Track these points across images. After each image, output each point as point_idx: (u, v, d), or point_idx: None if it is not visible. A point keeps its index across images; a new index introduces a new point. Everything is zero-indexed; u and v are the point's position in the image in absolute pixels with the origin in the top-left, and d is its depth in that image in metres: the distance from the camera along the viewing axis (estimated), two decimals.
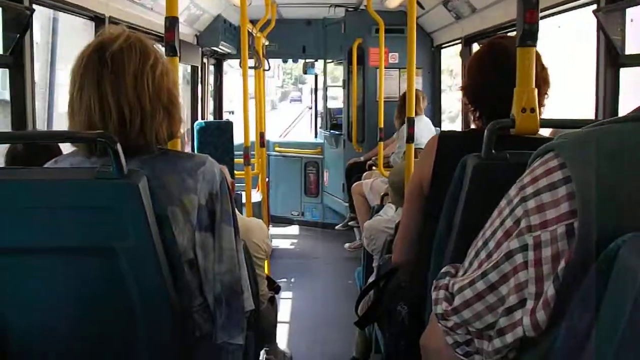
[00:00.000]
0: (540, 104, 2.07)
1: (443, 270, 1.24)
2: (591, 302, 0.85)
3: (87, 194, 1.53)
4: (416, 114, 5.34)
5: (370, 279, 3.72)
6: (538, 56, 2.08)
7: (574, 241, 0.90)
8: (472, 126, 2.30)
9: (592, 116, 3.53)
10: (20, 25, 3.26)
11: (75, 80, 1.72)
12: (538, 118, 1.87)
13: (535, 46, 1.88)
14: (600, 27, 3.38)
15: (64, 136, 1.78)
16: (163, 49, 1.95)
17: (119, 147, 1.48)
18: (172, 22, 2.44)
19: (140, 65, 1.73)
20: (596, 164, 0.89)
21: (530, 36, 1.85)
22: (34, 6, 3.34)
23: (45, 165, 1.86)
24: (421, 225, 2.32)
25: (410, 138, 3.95)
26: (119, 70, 1.70)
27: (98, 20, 4.39)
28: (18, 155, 2.56)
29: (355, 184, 6.73)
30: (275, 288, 3.74)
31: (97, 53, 1.72)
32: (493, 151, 1.80)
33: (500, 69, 2.03)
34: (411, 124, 4.01)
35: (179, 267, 1.65)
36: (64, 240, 1.56)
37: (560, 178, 0.93)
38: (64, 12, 4.08)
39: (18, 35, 3.25)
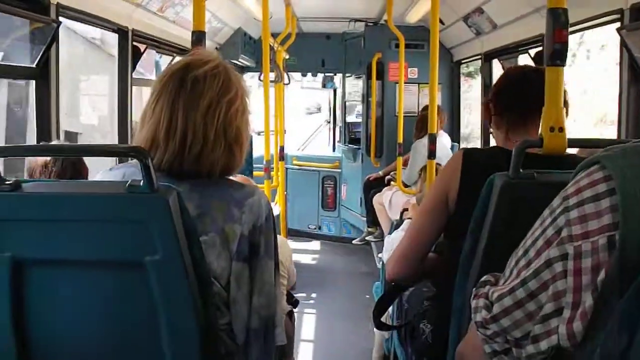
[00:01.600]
0: None
1: (483, 279, 1.24)
2: (629, 323, 0.85)
3: (117, 207, 1.54)
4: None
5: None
6: None
7: (614, 253, 0.90)
8: (493, 143, 2.30)
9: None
10: (47, 38, 3.31)
11: (154, 93, 1.76)
12: (566, 137, 1.87)
13: (564, 65, 1.88)
14: (623, 45, 3.39)
15: (98, 150, 1.79)
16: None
17: (150, 162, 1.49)
18: (199, 36, 2.47)
19: (217, 96, 1.75)
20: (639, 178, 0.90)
21: (559, 55, 1.85)
22: (60, 19, 3.38)
23: (99, 174, 1.89)
24: (432, 241, 2.27)
25: (432, 154, 3.95)
26: (195, 94, 1.73)
27: (122, 32, 4.44)
28: (39, 166, 2.57)
29: (376, 195, 6.74)
30: (293, 302, 3.73)
31: (181, 73, 1.75)
32: (520, 170, 1.80)
33: (531, 87, 2.02)
34: (433, 140, 4.01)
35: (207, 284, 1.65)
36: (94, 254, 1.57)
37: (604, 190, 0.93)
38: (89, 25, 4.12)
39: (44, 47, 3.29)
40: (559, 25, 1.83)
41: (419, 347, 2.36)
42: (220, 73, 1.78)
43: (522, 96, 2.14)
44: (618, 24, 3.43)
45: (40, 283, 1.62)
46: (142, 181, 1.51)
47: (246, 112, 1.85)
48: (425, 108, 6.12)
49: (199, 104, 1.73)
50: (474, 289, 1.21)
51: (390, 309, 3.08)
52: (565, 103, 2.10)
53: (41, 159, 2.57)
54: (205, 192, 1.74)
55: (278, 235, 3.98)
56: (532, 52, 4.96)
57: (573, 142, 1.95)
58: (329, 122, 11.38)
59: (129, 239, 1.55)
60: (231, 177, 1.88)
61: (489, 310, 1.11)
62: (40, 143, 3.22)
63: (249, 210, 1.76)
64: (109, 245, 1.57)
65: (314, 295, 6.70)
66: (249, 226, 1.75)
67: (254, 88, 12.18)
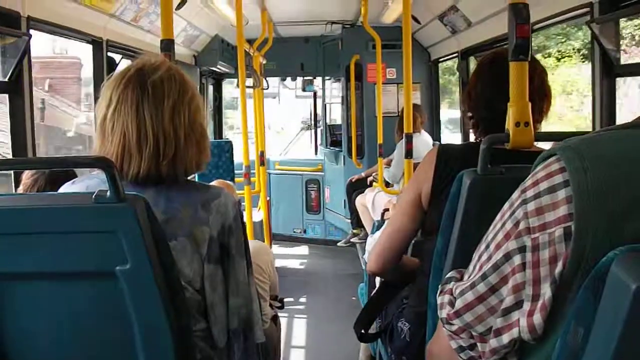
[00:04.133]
0: (538, 120, 2.08)
1: (448, 275, 1.25)
2: (585, 317, 0.85)
3: (85, 218, 1.54)
4: (415, 130, 5.38)
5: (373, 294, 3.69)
6: (539, 71, 2.09)
7: (570, 244, 0.91)
8: (472, 138, 2.30)
9: (589, 128, 3.55)
10: (18, 51, 3.28)
11: (112, 101, 1.75)
12: (532, 132, 1.88)
13: (527, 60, 1.88)
14: (594, 38, 3.40)
15: (66, 162, 1.79)
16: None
17: (116, 171, 1.49)
18: (167, 44, 2.46)
19: (179, 97, 1.77)
20: (596, 169, 0.90)
21: (522, 50, 1.86)
22: (31, 31, 3.36)
23: (62, 188, 1.88)
24: (409, 238, 2.30)
25: (409, 154, 3.96)
26: (158, 98, 1.74)
27: (96, 43, 4.42)
28: (40, 185, 2.57)
29: (359, 196, 6.75)
30: (279, 300, 3.73)
31: (138, 78, 1.75)
32: (489, 166, 1.80)
33: (500, 81, 2.02)
34: (409, 140, 4.02)
35: (179, 291, 1.65)
36: (64, 265, 1.57)
37: (560, 181, 0.94)
38: (62, 37, 4.10)
39: (16, 61, 3.27)
40: (521, 20, 1.84)
41: (398, 346, 2.36)
42: (175, 75, 1.80)
43: (493, 91, 2.14)
44: (588, 17, 3.45)
45: (10, 296, 1.61)
46: (108, 191, 1.50)
47: (203, 108, 1.88)
48: (417, 108, 6.17)
49: (163, 107, 1.74)
50: (435, 292, 1.22)
51: None
52: (548, 97, 2.11)
53: (30, 174, 2.57)
54: (171, 196, 1.75)
55: (259, 242, 4.00)
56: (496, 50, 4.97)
57: (540, 136, 1.95)
58: (310, 126, 11.37)
59: (98, 249, 1.55)
60: (212, 182, 1.89)
61: (452, 306, 1.12)
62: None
63: (216, 211, 1.77)
64: (79, 256, 1.57)
65: (300, 299, 6.69)
66: (217, 228, 1.77)
67: (234, 94, 12.14)
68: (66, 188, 1.89)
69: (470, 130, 2.33)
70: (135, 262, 1.52)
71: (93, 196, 1.52)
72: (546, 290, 0.93)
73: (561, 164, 0.95)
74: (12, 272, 1.59)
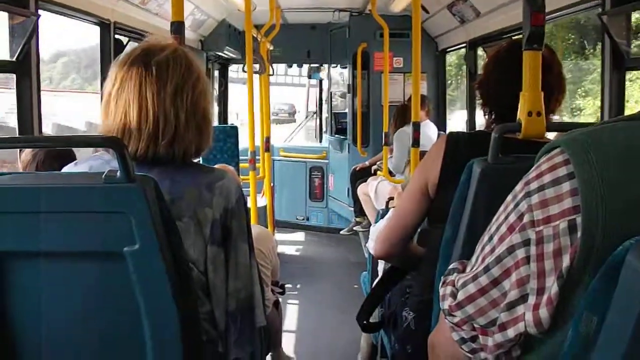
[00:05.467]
0: (552, 110, 2.07)
1: (451, 266, 1.25)
2: (599, 306, 0.85)
3: (96, 198, 1.53)
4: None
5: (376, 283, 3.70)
6: (553, 61, 2.07)
7: (576, 238, 0.90)
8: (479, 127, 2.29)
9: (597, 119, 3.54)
10: (26, 31, 3.28)
11: (116, 80, 1.75)
12: (544, 122, 1.87)
13: (541, 49, 1.87)
14: (605, 30, 3.39)
15: (73, 141, 1.78)
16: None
17: (126, 152, 1.49)
18: (178, 27, 2.45)
19: (182, 79, 1.76)
20: (601, 160, 0.89)
21: (536, 39, 1.84)
22: (40, 12, 3.35)
23: (64, 168, 1.88)
24: (416, 225, 2.30)
25: (416, 142, 3.95)
26: (161, 79, 1.73)
27: (104, 25, 4.41)
28: (39, 159, 2.60)
29: (361, 185, 6.74)
30: (280, 286, 3.73)
31: (143, 58, 1.75)
32: (500, 155, 1.79)
33: (517, 69, 2.01)
34: (417, 128, 4.02)
35: (186, 272, 1.66)
36: (72, 245, 1.57)
37: (564, 174, 0.93)
38: (70, 18, 4.09)
39: (24, 41, 3.26)
40: (536, 8, 1.82)
41: (401, 334, 2.36)
42: (181, 57, 1.80)
43: (506, 79, 2.13)
44: (599, 9, 3.43)
45: (19, 275, 1.61)
46: (118, 171, 1.50)
47: (208, 93, 1.88)
48: (410, 99, 6.14)
49: (166, 88, 1.74)
50: (442, 276, 1.21)
51: None
52: (562, 90, 2.10)
53: (37, 153, 2.59)
54: (176, 177, 1.75)
55: (261, 227, 4.00)
56: (516, 39, 4.97)
57: (552, 126, 1.94)
58: (315, 113, 11.37)
59: (107, 229, 1.55)
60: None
61: (454, 298, 1.11)
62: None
63: (219, 193, 1.77)
64: (88, 236, 1.57)
65: (301, 285, 6.69)
66: (220, 210, 1.77)
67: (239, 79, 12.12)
68: (70, 169, 1.89)
69: (484, 118, 2.32)
70: (144, 243, 1.52)
71: (103, 176, 1.51)
72: (552, 284, 0.93)
73: (565, 156, 0.94)
74: (20, 250, 1.59)
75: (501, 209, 1.07)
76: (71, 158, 2.56)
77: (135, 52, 1.78)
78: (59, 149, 2.59)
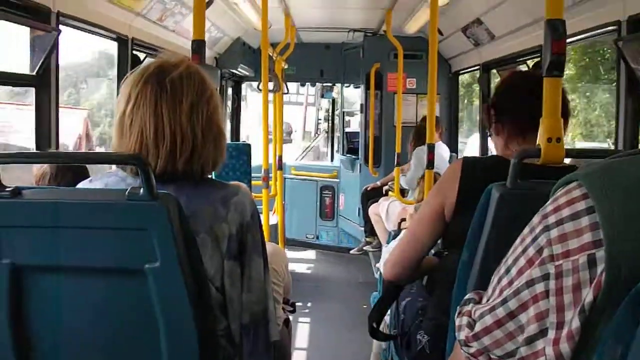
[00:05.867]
0: (564, 132, 2.08)
1: (467, 296, 1.24)
2: (623, 336, 0.85)
3: (118, 215, 1.55)
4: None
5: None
6: (563, 88, 2.09)
7: (595, 272, 0.90)
8: (493, 152, 2.30)
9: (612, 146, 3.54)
10: (46, 46, 3.31)
11: (131, 98, 1.75)
12: (564, 148, 1.88)
13: (562, 76, 1.89)
14: (620, 56, 3.40)
15: (98, 158, 1.80)
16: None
17: (149, 169, 1.50)
18: (199, 45, 2.47)
19: (197, 96, 1.78)
20: (621, 195, 0.89)
21: (557, 66, 1.86)
22: (61, 27, 3.39)
23: (79, 185, 1.90)
24: (428, 248, 2.31)
25: (430, 164, 3.96)
26: (177, 97, 1.74)
27: (121, 41, 4.45)
28: (47, 173, 2.62)
29: (373, 205, 6.74)
30: (291, 304, 3.72)
31: (157, 75, 1.76)
32: (518, 180, 1.80)
33: (533, 94, 2.02)
34: (431, 149, 4.02)
35: (206, 290, 1.66)
36: (94, 261, 1.58)
37: (583, 208, 0.93)
38: (89, 33, 4.13)
39: (44, 55, 3.30)
40: (557, 37, 1.83)
41: (415, 357, 2.36)
42: (194, 73, 1.81)
43: (522, 104, 2.14)
44: (615, 35, 3.44)
45: (39, 290, 1.62)
46: (141, 188, 1.51)
47: (221, 108, 1.89)
48: (424, 119, 6.15)
49: (182, 105, 1.75)
50: (457, 306, 1.22)
51: (387, 319, 3.08)
52: (567, 113, 2.11)
53: (48, 167, 2.61)
54: (191, 193, 1.76)
55: (275, 245, 4.00)
56: (530, 63, 4.98)
57: (570, 152, 1.95)
58: (327, 132, 11.39)
59: (128, 246, 1.56)
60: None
61: (471, 328, 1.11)
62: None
63: (234, 208, 1.78)
64: (109, 252, 1.58)
65: (310, 304, 6.69)
66: (236, 225, 1.77)
67: (252, 96, 12.15)
68: (85, 185, 1.90)
69: (493, 143, 2.33)
70: (165, 260, 1.53)
71: (126, 193, 1.52)
72: (571, 318, 0.93)
73: (583, 190, 0.94)
74: (41, 265, 1.60)
75: (518, 241, 1.07)
76: (84, 173, 2.58)
77: (148, 70, 1.78)
78: (66, 168, 2.61)
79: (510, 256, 1.07)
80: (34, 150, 3.32)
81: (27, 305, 1.63)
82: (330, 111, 11.20)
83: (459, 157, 6.11)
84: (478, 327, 1.09)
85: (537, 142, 1.89)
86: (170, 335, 1.59)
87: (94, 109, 15.31)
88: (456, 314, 1.19)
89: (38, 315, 1.64)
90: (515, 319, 1.02)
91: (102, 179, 1.86)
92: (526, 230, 1.05)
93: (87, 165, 2.63)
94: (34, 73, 3.32)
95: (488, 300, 1.10)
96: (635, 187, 0.90)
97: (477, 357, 1.12)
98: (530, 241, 1.01)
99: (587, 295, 0.90)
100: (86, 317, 1.64)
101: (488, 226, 1.82)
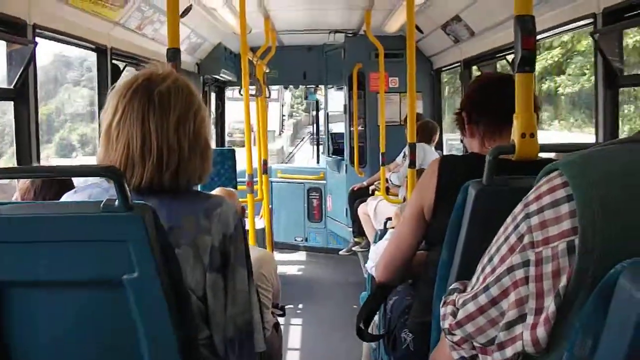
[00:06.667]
0: None
1: (452, 286, 1.26)
2: (593, 329, 0.86)
3: (94, 227, 1.54)
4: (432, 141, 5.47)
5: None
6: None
7: (574, 258, 0.91)
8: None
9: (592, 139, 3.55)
10: (24, 59, 3.30)
11: (118, 110, 1.75)
12: (538, 143, 1.89)
13: (533, 72, 1.89)
14: (597, 49, 3.41)
15: (71, 171, 1.80)
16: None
17: (124, 180, 1.49)
18: (174, 53, 2.47)
19: (185, 109, 1.78)
20: (599, 183, 0.91)
21: (527, 62, 1.87)
22: (37, 39, 3.37)
23: (64, 197, 1.89)
24: (415, 248, 2.32)
25: (412, 164, 3.97)
26: (164, 110, 1.75)
27: (100, 51, 4.44)
28: (37, 186, 2.61)
29: (361, 205, 6.75)
30: (280, 308, 3.73)
31: (145, 88, 1.76)
32: (494, 176, 1.81)
33: (504, 92, 2.03)
34: (413, 150, 4.03)
35: (186, 299, 1.66)
36: (71, 274, 1.57)
37: (563, 196, 0.94)
38: (67, 44, 4.12)
39: (22, 68, 3.29)
40: (526, 33, 1.84)
41: (400, 355, 2.36)
42: (182, 86, 1.81)
43: (495, 103, 2.16)
44: (591, 28, 3.46)
45: (18, 304, 1.61)
46: (116, 200, 1.51)
47: (208, 120, 1.89)
48: (420, 117, 6.20)
49: (169, 119, 1.75)
50: (439, 303, 1.23)
51: (377, 318, 3.09)
52: (537, 108, 2.12)
53: (29, 181, 2.60)
54: (173, 205, 1.75)
55: (263, 250, 4.00)
56: (510, 58, 5.01)
57: (545, 147, 1.96)
58: (312, 134, 11.41)
59: (105, 258, 1.55)
60: (214, 190, 1.90)
61: (455, 317, 1.13)
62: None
63: (218, 220, 1.77)
64: (87, 264, 1.57)
65: (301, 306, 6.69)
66: (219, 237, 1.77)
67: (235, 102, 12.10)
68: (69, 197, 1.89)
69: (467, 145, 2.34)
70: (143, 271, 1.53)
71: (101, 205, 1.52)
72: (549, 304, 0.94)
73: (563, 178, 0.96)
74: (19, 280, 1.59)
75: (501, 230, 1.08)
76: (68, 186, 2.57)
77: (136, 82, 1.77)
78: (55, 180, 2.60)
79: (494, 245, 1.09)
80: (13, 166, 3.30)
81: (5, 320, 1.62)
82: (315, 114, 11.19)
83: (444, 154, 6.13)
84: (461, 315, 1.11)
85: (511, 138, 1.90)
86: (150, 346, 1.59)
87: (53, 114, 15.10)
88: (441, 304, 1.21)
89: (17, 329, 1.63)
90: (497, 305, 1.04)
91: (86, 190, 1.85)
92: (509, 219, 1.07)
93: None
94: (12, 87, 3.31)
95: (472, 289, 1.12)
96: (613, 176, 0.92)
97: (460, 345, 1.13)
98: (512, 229, 1.03)
99: (562, 279, 0.92)
100: (66, 329, 1.64)
101: (466, 223, 1.83)
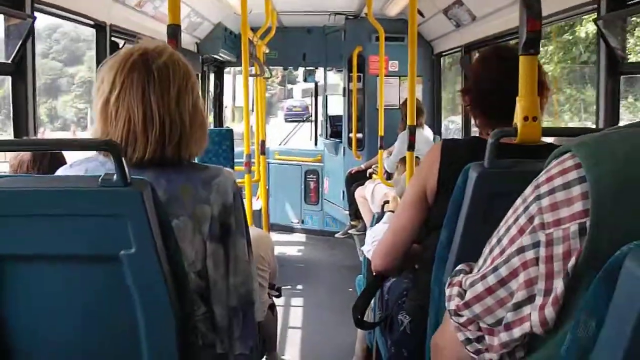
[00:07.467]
0: (541, 110, 2.07)
1: (458, 267, 1.25)
2: (597, 310, 0.85)
3: (92, 202, 1.53)
4: (418, 125, 5.40)
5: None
6: (540, 66, 2.08)
7: (584, 239, 0.91)
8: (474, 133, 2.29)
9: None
10: (22, 33, 3.28)
11: (115, 84, 1.74)
12: (540, 127, 1.88)
13: (537, 54, 1.88)
14: (601, 35, 3.40)
15: (72, 144, 1.78)
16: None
17: (122, 155, 1.49)
18: (174, 30, 2.45)
19: (183, 83, 1.79)
20: (611, 165, 0.90)
21: (532, 44, 1.85)
22: (36, 14, 3.35)
23: (59, 171, 1.89)
24: (415, 234, 2.29)
25: (411, 146, 3.96)
26: (164, 83, 1.75)
27: (99, 27, 4.41)
28: (25, 161, 2.60)
29: (358, 188, 6.75)
30: (277, 289, 3.73)
31: (143, 63, 1.76)
32: (496, 160, 1.80)
33: (509, 75, 2.01)
34: (412, 132, 4.02)
35: (183, 275, 1.66)
36: (68, 248, 1.56)
37: (575, 177, 0.93)
38: (66, 20, 4.09)
39: (20, 42, 3.26)
40: (532, 14, 1.82)
41: (397, 338, 2.36)
42: (178, 61, 1.82)
43: (498, 84, 2.14)
44: (595, 14, 3.45)
45: (15, 278, 1.61)
46: (114, 175, 1.50)
47: (200, 95, 1.91)
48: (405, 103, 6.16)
49: (169, 92, 1.75)
50: (448, 277, 1.22)
51: (372, 301, 3.09)
52: (546, 90, 2.11)
53: (25, 155, 2.59)
54: (171, 177, 1.76)
55: (260, 230, 3.99)
56: (512, 43, 4.99)
57: (547, 131, 1.95)
58: (311, 116, 11.40)
59: (103, 233, 1.54)
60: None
61: (461, 298, 1.12)
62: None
63: (216, 190, 1.79)
64: (83, 239, 1.56)
65: (297, 288, 6.70)
66: (218, 207, 1.79)
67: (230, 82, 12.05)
68: (64, 171, 1.90)
69: (473, 123, 2.32)
70: (140, 246, 1.52)
71: (99, 179, 1.51)
72: (558, 284, 0.94)
73: (576, 160, 0.95)
74: (15, 254, 1.58)
75: (510, 211, 1.07)
76: (59, 159, 2.56)
77: (132, 57, 1.77)
78: (44, 152, 2.59)
79: (502, 227, 1.08)
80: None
81: (4, 293, 1.61)
82: (313, 95, 11.16)
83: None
84: (469, 295, 1.10)
85: (514, 121, 1.89)
86: (147, 321, 1.58)
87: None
88: (447, 285, 1.20)
89: (13, 303, 1.62)
90: (506, 285, 1.03)
91: (82, 164, 1.85)
92: (518, 201, 1.06)
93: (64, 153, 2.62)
94: (10, 61, 3.29)
95: (479, 270, 1.11)
96: (626, 158, 0.91)
97: (467, 326, 1.12)
98: (522, 210, 1.02)
99: (571, 259, 0.91)
100: (62, 304, 1.63)
101: (466, 206, 1.83)
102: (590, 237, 0.90)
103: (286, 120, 28.09)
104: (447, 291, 1.18)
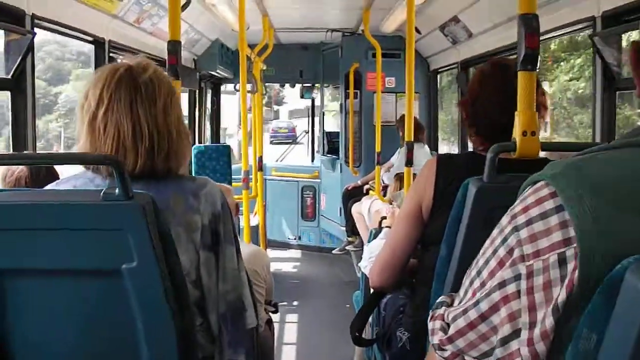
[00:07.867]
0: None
1: (439, 300, 1.24)
2: (598, 323, 0.86)
3: (94, 216, 1.53)
4: (418, 141, 5.43)
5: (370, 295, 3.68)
6: (538, 82, 2.09)
7: (566, 270, 0.90)
8: (470, 148, 2.29)
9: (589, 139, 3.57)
10: (22, 49, 3.29)
11: (103, 99, 1.76)
12: (539, 141, 1.89)
13: (535, 70, 1.90)
14: (596, 51, 3.43)
15: (73, 158, 1.79)
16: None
17: (124, 169, 1.50)
18: (174, 46, 2.47)
19: (168, 96, 1.83)
20: (589, 192, 0.89)
21: (531, 60, 1.87)
22: (35, 30, 3.37)
23: (47, 187, 1.89)
24: (412, 249, 2.29)
25: (409, 162, 3.97)
26: (151, 98, 1.78)
27: (98, 43, 4.43)
28: (21, 177, 2.59)
29: (355, 204, 6.75)
30: (273, 305, 3.73)
31: (130, 77, 1.78)
32: (495, 174, 1.81)
33: (505, 91, 2.02)
34: (410, 148, 4.04)
35: (183, 287, 1.66)
36: (70, 262, 1.57)
37: (552, 207, 0.93)
38: (65, 36, 4.11)
39: (20, 58, 3.28)
40: (530, 31, 1.85)
41: (395, 354, 2.36)
42: (162, 75, 1.87)
43: (496, 99, 2.14)
44: (590, 31, 3.47)
45: (16, 293, 1.61)
46: (116, 189, 1.50)
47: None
48: (402, 118, 6.18)
49: (156, 105, 1.79)
50: (430, 310, 1.22)
51: (370, 317, 3.09)
52: (544, 107, 2.12)
53: (19, 169, 2.59)
54: (160, 188, 1.78)
55: (256, 246, 3.99)
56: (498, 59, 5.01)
57: (546, 146, 1.96)
58: (307, 132, 11.41)
59: (105, 247, 1.55)
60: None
61: (445, 332, 1.11)
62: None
63: (205, 199, 1.82)
64: (86, 253, 1.56)
65: (294, 304, 6.69)
66: (208, 215, 1.81)
67: (232, 98, 12.08)
68: (52, 187, 1.89)
69: (469, 139, 2.33)
70: (142, 260, 1.53)
71: (101, 194, 1.52)
72: (543, 317, 0.93)
73: (551, 189, 0.94)
74: (17, 268, 1.58)
75: (487, 242, 1.06)
76: (55, 176, 2.56)
77: (118, 72, 1.79)
78: (40, 170, 2.59)
79: (481, 258, 1.07)
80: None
81: (4, 308, 1.61)
82: (310, 112, 11.19)
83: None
84: (452, 330, 1.09)
85: (512, 136, 1.90)
86: (148, 334, 1.58)
87: None
88: (429, 318, 1.19)
89: (17, 318, 1.62)
90: (487, 320, 1.02)
91: (69, 181, 1.85)
92: (495, 231, 1.05)
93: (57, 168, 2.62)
94: (9, 76, 3.30)
95: (460, 303, 1.10)
96: (603, 183, 0.90)
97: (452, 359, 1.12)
98: (500, 242, 1.01)
99: (560, 293, 0.90)
100: (65, 318, 1.63)
101: (465, 221, 1.83)
102: (581, 267, 0.88)
103: (271, 142, 27.91)
104: (430, 325, 1.17)
